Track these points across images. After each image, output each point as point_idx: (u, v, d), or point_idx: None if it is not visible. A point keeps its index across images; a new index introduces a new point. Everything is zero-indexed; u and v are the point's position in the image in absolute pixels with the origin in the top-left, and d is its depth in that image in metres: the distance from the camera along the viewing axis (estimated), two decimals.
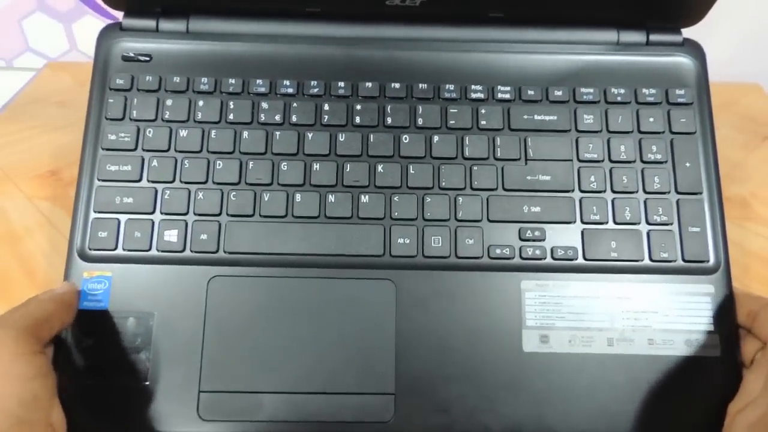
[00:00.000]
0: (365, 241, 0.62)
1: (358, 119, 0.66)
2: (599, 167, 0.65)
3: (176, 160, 0.64)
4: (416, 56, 0.69)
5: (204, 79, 0.66)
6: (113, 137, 0.64)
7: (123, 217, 0.62)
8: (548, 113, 0.66)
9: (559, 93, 0.67)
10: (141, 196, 0.63)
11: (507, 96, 0.67)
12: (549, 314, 0.61)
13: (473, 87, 0.67)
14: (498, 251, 0.62)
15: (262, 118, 0.65)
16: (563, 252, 0.62)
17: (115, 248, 0.61)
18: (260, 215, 0.63)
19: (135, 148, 0.64)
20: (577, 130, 0.66)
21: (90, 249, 0.61)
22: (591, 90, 0.67)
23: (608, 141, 0.66)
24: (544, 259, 0.62)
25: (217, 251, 0.62)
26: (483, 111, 0.66)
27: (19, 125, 0.81)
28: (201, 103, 0.66)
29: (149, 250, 0.62)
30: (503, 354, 0.60)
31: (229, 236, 0.62)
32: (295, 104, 0.66)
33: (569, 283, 0.62)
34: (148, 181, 0.63)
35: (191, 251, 0.62)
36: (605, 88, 0.67)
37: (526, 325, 0.61)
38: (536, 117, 0.66)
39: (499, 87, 0.67)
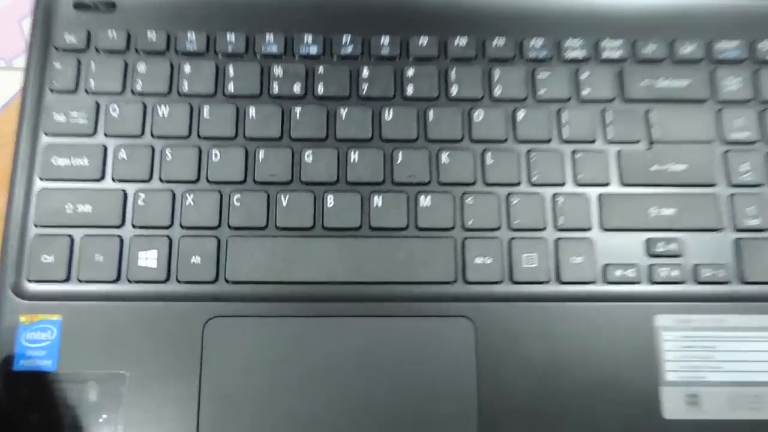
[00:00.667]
0: (428, 261, 0.44)
1: (410, 89, 0.47)
2: (753, 150, 0.46)
3: (153, 150, 0.45)
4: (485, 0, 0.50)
5: (191, 35, 0.47)
6: (61, 118, 0.45)
7: (77, 233, 0.43)
8: (677, 76, 0.48)
9: (691, 48, 0.48)
10: (103, 203, 0.44)
11: (617, 54, 0.48)
12: (698, 364, 0.43)
13: (569, 42, 0.48)
14: (618, 273, 0.44)
15: (276, 89, 0.47)
16: (711, 272, 0.44)
17: (67, 279, 0.42)
18: (276, 227, 0.44)
19: (93, 133, 0.45)
20: (719, 101, 0.47)
21: (30, 281, 0.42)
22: (735, 44, 0.48)
23: (763, 114, 0.47)
24: (685, 282, 0.44)
25: (215, 280, 0.43)
26: (585, 75, 0.47)
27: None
28: (188, 68, 0.47)
29: (117, 280, 0.43)
30: (632, 421, 0.42)
31: (233, 259, 0.43)
32: (321, 69, 0.47)
33: (724, 317, 0.44)
34: (114, 179, 0.44)
35: (178, 281, 0.43)
36: (754, 40, 0.48)
37: (666, 380, 0.42)
38: (660, 82, 0.48)
39: (605, 41, 0.48)
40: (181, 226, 0.44)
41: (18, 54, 0.52)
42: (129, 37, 0.47)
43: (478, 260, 0.44)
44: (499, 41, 0.48)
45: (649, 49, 0.48)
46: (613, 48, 0.48)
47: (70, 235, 0.43)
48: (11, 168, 0.44)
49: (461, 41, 0.48)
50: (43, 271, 0.42)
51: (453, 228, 0.45)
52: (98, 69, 0.46)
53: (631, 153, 0.46)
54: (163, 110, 0.45)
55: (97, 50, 0.47)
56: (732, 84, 0.48)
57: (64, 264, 0.43)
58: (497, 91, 0.47)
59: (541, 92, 0.47)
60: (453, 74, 0.47)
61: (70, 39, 0.46)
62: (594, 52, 0.48)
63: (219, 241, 0.44)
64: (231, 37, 0.47)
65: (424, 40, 0.48)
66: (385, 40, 0.48)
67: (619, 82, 0.48)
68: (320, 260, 0.44)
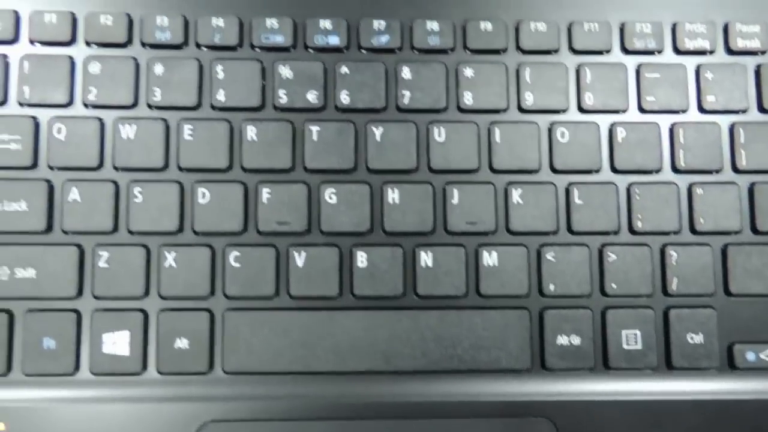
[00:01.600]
0: (494, 342, 0.33)
1: (467, 97, 0.34)
2: None
3: (117, 188, 0.33)
4: None
5: (162, 20, 0.34)
6: None
7: (17, 308, 0.32)
8: None
9: None
10: (52, 264, 0.32)
11: None
12: None
13: None
14: (750, 356, 0.33)
15: (283, 98, 0.34)
16: None
17: (6, 373, 0.31)
18: (289, 295, 0.33)
19: (33, 165, 0.33)
20: None
21: None
22: None
23: None
24: None
25: (208, 372, 0.32)
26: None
27: None
28: (159, 68, 0.34)
29: (74, 373, 0.32)
30: None
31: (231, 341, 0.32)
32: (344, 68, 0.34)
33: None
34: (66, 231, 0.32)
35: (159, 374, 0.32)
36: None
37: None
38: None
39: None
40: (160, 296, 0.32)
41: None
42: (74, 21, 0.34)
43: (562, 340, 0.33)
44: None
45: None
46: None
47: (7, 311, 0.32)
48: None
49: (538, 25, 0.35)
50: None
51: (527, 295, 0.33)
52: (35, 71, 0.33)
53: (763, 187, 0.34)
54: (127, 130, 0.33)
55: (32, 42, 0.34)
56: None
57: (1, 352, 0.31)
58: (587, 101, 0.35)
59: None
60: (527, 76, 0.35)
61: None
62: None
63: (212, 316, 0.32)
64: (218, 22, 0.34)
65: (486, 25, 0.35)
66: (433, 25, 0.35)
67: None
68: (348, 342, 0.32)
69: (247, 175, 0.33)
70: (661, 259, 0.34)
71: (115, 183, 0.33)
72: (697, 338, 0.33)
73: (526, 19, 0.35)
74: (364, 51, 0.35)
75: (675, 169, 0.34)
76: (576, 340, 0.33)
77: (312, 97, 0.34)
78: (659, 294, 0.34)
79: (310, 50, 0.35)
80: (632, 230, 0.34)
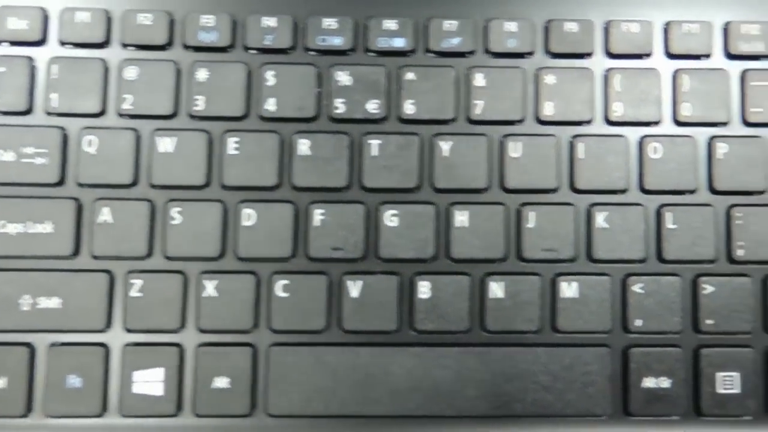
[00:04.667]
0: (571, 384, 0.29)
1: (547, 107, 0.30)
2: None
3: (153, 207, 0.29)
4: None
5: (207, 19, 0.30)
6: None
7: (40, 341, 0.29)
8: None
9: None
10: (78, 292, 0.29)
11: None
12: None
13: None
14: None
15: (340, 108, 0.30)
16: None
17: (27, 413, 0.28)
18: (342, 329, 0.29)
19: (60, 183, 0.29)
20: None
21: None
22: None
23: None
24: None
25: (250, 413, 0.29)
26: None
27: None
28: (203, 74, 0.30)
29: (102, 415, 0.28)
30: None
31: (277, 380, 0.29)
32: (411, 74, 0.30)
33: None
34: (94, 256, 0.29)
35: (196, 416, 0.29)
36: None
37: None
38: None
39: None
40: (198, 329, 0.29)
41: None
42: (109, 21, 0.30)
43: (649, 382, 0.29)
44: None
45: None
46: None
47: (28, 345, 0.29)
48: None
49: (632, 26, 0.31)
50: None
51: (610, 331, 0.29)
52: (64, 76, 0.30)
53: None
54: (165, 143, 0.29)
55: (61, 44, 0.30)
56: None
57: (21, 391, 0.28)
58: (684, 112, 0.31)
59: None
60: (616, 83, 0.30)
61: None
62: None
63: (255, 352, 0.29)
64: (269, 21, 0.30)
65: (571, 26, 0.31)
66: (511, 25, 0.31)
67: None
68: (407, 383, 0.29)
69: (297, 194, 0.30)
70: (763, 292, 0.30)
71: (150, 202, 0.29)
72: None
73: (615, 18, 0.31)
74: (432, 54, 0.31)
75: (713, 191, 0.30)
76: (665, 383, 0.29)
77: (373, 106, 0.30)
78: (760, 331, 0.30)
79: (371, 53, 0.31)
80: (731, 258, 0.30)
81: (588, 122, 0.31)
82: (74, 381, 0.29)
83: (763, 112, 0.31)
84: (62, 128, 0.30)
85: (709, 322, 0.30)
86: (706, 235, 0.30)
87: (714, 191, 0.31)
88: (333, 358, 0.29)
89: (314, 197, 0.30)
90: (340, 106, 0.30)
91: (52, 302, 0.29)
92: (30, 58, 0.30)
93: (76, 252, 0.29)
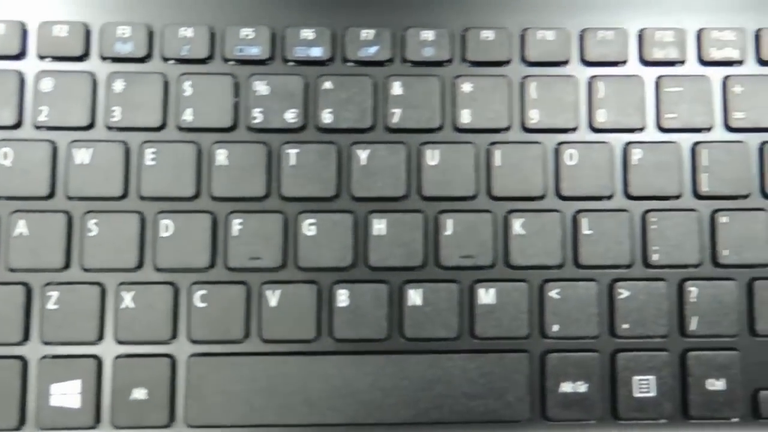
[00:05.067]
0: (490, 389, 0.29)
1: (465, 115, 0.30)
2: None
3: (69, 218, 0.29)
4: None
5: (123, 30, 0.30)
6: None
7: None
8: None
9: None
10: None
11: None
12: None
13: None
14: None
15: (258, 117, 0.30)
16: None
17: None
18: (261, 339, 0.29)
19: None
20: None
21: None
22: None
23: None
24: None
25: (169, 425, 0.29)
26: None
27: None
28: (119, 85, 0.30)
29: (19, 428, 0.28)
30: None
31: (196, 390, 0.29)
32: (328, 83, 0.30)
33: None
34: (10, 269, 0.29)
35: (114, 427, 0.29)
36: None
37: None
38: None
39: None
40: (116, 341, 0.29)
41: None
42: (24, 33, 0.30)
43: (567, 386, 0.30)
44: None
45: None
46: None
47: None
48: None
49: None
50: None
51: (528, 337, 0.30)
52: None
53: None
54: (82, 154, 0.29)
55: None
56: None
57: None
58: (599, 118, 0.31)
59: None
60: (533, 89, 0.31)
61: None
62: None
63: (174, 363, 0.29)
64: (186, 32, 0.30)
65: (488, 34, 0.31)
66: (428, 34, 0.31)
67: None
68: (326, 391, 0.29)
69: (216, 204, 0.30)
70: (678, 296, 0.30)
71: (67, 214, 0.29)
72: (718, 384, 0.30)
73: (532, 27, 0.32)
74: (351, 63, 0.31)
75: (697, 195, 0.31)
76: (582, 388, 0.30)
77: (291, 116, 0.30)
78: (676, 335, 0.30)
79: (290, 63, 0.31)
80: (647, 263, 0.30)
81: (505, 129, 0.31)
82: None
83: (678, 118, 0.31)
84: None
85: (625, 326, 0.30)
86: (622, 240, 0.31)
87: (629, 197, 0.31)
88: (252, 367, 0.29)
89: (233, 207, 0.30)
90: (258, 116, 0.31)
91: None
92: None
93: None
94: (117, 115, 0.30)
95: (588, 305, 0.30)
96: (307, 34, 0.31)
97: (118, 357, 0.29)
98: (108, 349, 0.29)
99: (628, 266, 0.30)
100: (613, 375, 0.30)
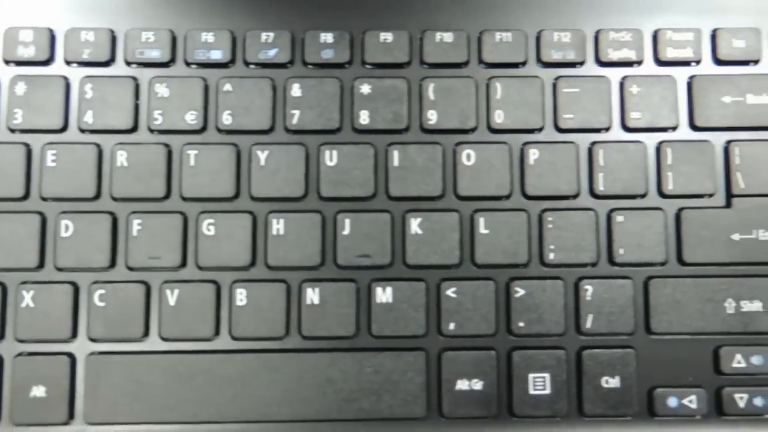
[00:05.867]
0: (387, 387, 0.30)
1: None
2: None
3: None
4: None
5: (27, 34, 0.31)
6: None
7: None
8: None
9: None
10: None
11: None
12: None
13: None
14: (672, 402, 0.29)
15: (158, 119, 0.31)
16: None
17: None
18: (160, 337, 0.30)
19: None
20: None
21: None
22: None
23: None
24: None
25: (67, 422, 0.29)
26: None
27: None
28: (21, 88, 0.30)
29: None
30: None
31: (93, 389, 0.29)
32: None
33: None
34: None
35: (14, 425, 0.29)
36: None
37: None
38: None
39: None
40: (16, 339, 0.29)
41: None
42: None
43: (463, 384, 0.30)
44: None
45: None
46: None
47: None
48: None
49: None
50: None
51: (425, 335, 0.30)
52: None
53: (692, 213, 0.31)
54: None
55: None
56: None
57: None
58: (497, 119, 0.31)
59: None
60: (432, 91, 0.31)
61: None
62: None
63: (73, 361, 0.29)
64: (87, 35, 0.31)
65: (386, 36, 0.31)
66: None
67: None
68: (224, 389, 0.30)
69: (117, 204, 0.30)
70: (575, 294, 0.31)
71: None
72: (613, 382, 0.30)
73: (429, 28, 0.32)
74: (253, 66, 0.32)
75: (594, 194, 0.31)
76: (478, 385, 0.30)
77: (191, 117, 0.31)
78: (572, 333, 0.30)
79: (191, 66, 0.32)
80: (543, 262, 0.31)
81: (404, 130, 0.31)
82: None
83: (574, 118, 0.32)
84: None
85: (521, 324, 0.31)
86: (519, 239, 0.31)
87: (527, 196, 0.31)
88: (150, 366, 0.30)
89: (134, 207, 0.30)
90: (158, 118, 0.31)
91: None
92: None
93: None
94: (18, 118, 0.30)
95: (485, 304, 0.30)
96: (207, 37, 0.31)
97: (18, 355, 0.30)
98: (8, 348, 0.30)
99: (525, 265, 0.31)
100: (509, 373, 0.31)
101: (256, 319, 0.30)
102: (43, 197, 0.30)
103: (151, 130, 0.31)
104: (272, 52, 0.31)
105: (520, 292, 0.31)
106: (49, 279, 0.30)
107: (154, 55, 0.31)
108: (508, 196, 0.31)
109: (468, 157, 0.31)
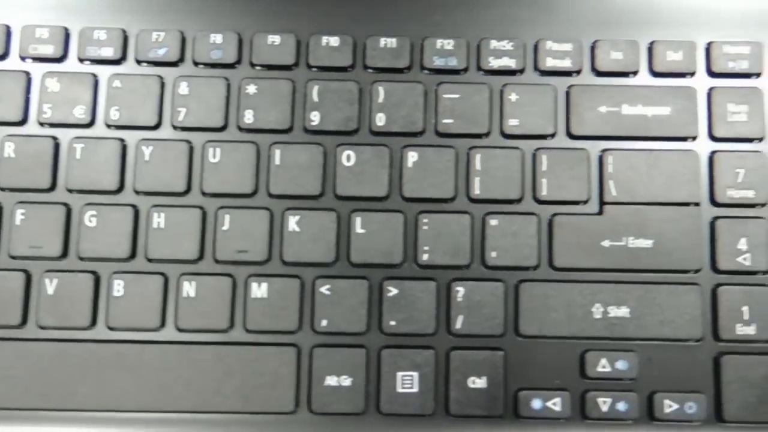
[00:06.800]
0: (259, 381, 0.30)
1: (247, 117, 0.32)
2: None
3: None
4: None
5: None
6: None
7: None
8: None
9: None
10: None
11: None
12: None
13: None
14: (536, 403, 0.30)
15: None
16: (676, 407, 0.30)
17: None
18: (37, 326, 0.31)
19: None
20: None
21: None
22: None
23: None
24: (636, 421, 0.30)
25: None
26: None
27: None
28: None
29: None
30: None
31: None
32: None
33: None
34: None
35: None
36: None
37: None
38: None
39: None
40: None
41: None
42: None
43: (331, 380, 0.30)
44: None
45: None
46: None
47: None
48: None
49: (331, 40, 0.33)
50: None
51: (298, 330, 0.31)
52: None
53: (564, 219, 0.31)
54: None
55: None
56: None
57: None
58: (378, 122, 0.32)
59: None
60: (315, 93, 0.32)
61: None
62: None
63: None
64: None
65: (274, 39, 0.32)
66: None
67: None
68: (102, 378, 0.30)
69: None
70: (447, 295, 0.31)
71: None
72: (480, 382, 0.31)
73: (316, 32, 0.33)
74: (145, 64, 0.33)
75: (470, 198, 0.32)
76: (347, 381, 0.30)
77: (79, 112, 0.32)
78: (443, 333, 0.31)
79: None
80: (417, 263, 0.31)
81: (288, 130, 0.32)
82: None
83: (453, 123, 0.32)
84: None
85: (392, 323, 0.31)
86: (395, 239, 0.32)
87: (405, 198, 0.32)
88: (30, 353, 0.31)
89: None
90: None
91: None
92: None
93: None
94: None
95: (357, 302, 0.31)
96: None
97: None
98: None
99: (399, 265, 0.32)
100: (378, 370, 0.31)
101: (132, 312, 0.31)
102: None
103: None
104: (162, 51, 0.33)
105: (392, 291, 0.31)
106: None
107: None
108: (386, 197, 0.32)
109: (348, 158, 0.32)
